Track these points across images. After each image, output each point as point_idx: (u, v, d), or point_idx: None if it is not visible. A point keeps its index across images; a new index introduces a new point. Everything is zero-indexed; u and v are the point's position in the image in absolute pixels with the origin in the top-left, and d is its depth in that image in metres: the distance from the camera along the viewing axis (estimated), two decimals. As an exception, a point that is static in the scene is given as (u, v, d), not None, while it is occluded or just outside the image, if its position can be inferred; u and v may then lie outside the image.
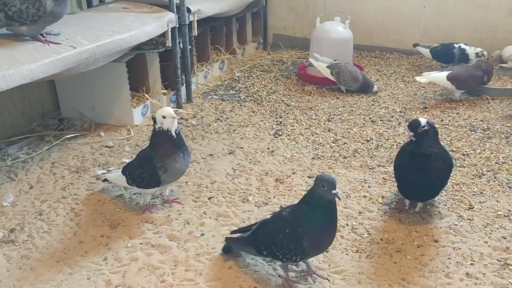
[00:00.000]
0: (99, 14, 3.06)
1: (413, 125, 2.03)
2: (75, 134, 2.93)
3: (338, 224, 2.06)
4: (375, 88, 3.60)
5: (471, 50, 3.85)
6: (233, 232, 1.93)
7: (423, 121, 2.01)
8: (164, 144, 2.06)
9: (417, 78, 3.47)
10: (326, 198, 1.59)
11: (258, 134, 2.96)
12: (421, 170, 2.03)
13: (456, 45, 3.89)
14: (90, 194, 2.33)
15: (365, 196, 2.31)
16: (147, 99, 3.22)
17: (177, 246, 1.96)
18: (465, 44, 3.90)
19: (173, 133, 2.04)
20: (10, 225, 2.10)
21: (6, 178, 2.47)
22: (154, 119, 2.06)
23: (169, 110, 2.02)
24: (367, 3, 4.56)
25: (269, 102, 3.47)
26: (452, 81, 3.36)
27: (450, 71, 3.42)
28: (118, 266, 1.86)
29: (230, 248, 1.90)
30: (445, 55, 3.94)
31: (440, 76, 3.42)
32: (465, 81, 3.39)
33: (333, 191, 1.57)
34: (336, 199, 1.59)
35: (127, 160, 2.50)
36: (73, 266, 1.85)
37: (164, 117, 2.02)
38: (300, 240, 1.62)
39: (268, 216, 1.81)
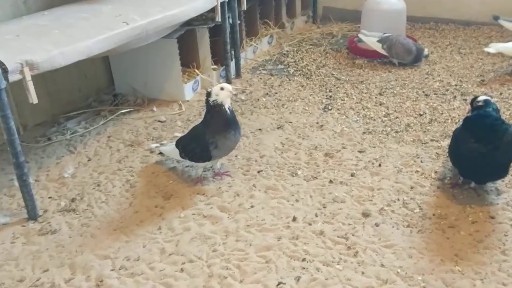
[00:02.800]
0: (150, -10, 3.10)
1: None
2: (129, 109, 3.02)
3: (388, 198, 2.05)
4: (426, 52, 3.48)
5: None
6: None
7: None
8: (217, 121, 2.10)
9: (485, 49, 3.31)
10: None
11: (307, 108, 2.95)
12: (489, 150, 1.91)
13: None
14: (144, 166, 2.41)
15: (417, 171, 2.26)
16: (197, 74, 3.26)
17: (228, 217, 2.01)
18: None
19: (227, 109, 2.07)
20: (71, 195, 2.21)
21: (66, 151, 2.59)
22: (209, 93, 2.09)
23: (228, 85, 2.10)
24: (422, -29, 4.36)
25: (318, 76, 3.42)
26: None
27: None
28: (171, 235, 1.93)
29: None
30: None
31: (510, 47, 3.24)
32: None
33: None
34: None
35: (179, 134, 2.57)
36: (129, 234, 1.94)
37: (222, 88, 2.07)
38: None
39: None
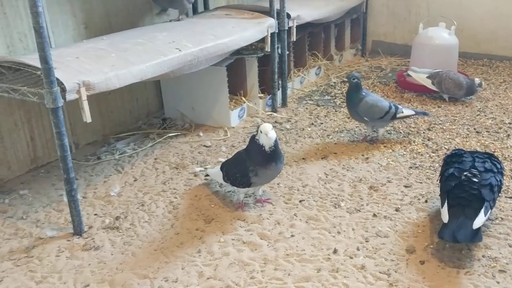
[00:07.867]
0: (203, 20, 3.21)
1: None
2: (176, 133, 3.09)
3: (435, 236, 1.97)
4: (477, 81, 3.38)
5: None
6: None
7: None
8: (257, 155, 2.10)
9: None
10: None
11: (352, 140, 2.92)
12: None
13: None
14: (187, 189, 2.44)
15: (466, 210, 2.17)
16: (244, 102, 3.31)
17: (267, 245, 1.99)
18: None
19: (267, 149, 2.07)
20: (116, 213, 2.27)
21: (114, 170, 2.67)
22: (258, 127, 2.11)
23: (266, 128, 2.04)
24: (475, 7, 4.30)
25: (365, 108, 3.39)
26: None
27: None
28: (210, 259, 1.92)
29: None
30: None
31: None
32: None
33: None
34: None
35: (223, 160, 2.59)
36: (169, 255, 1.95)
37: (261, 131, 2.06)
38: None
39: None
